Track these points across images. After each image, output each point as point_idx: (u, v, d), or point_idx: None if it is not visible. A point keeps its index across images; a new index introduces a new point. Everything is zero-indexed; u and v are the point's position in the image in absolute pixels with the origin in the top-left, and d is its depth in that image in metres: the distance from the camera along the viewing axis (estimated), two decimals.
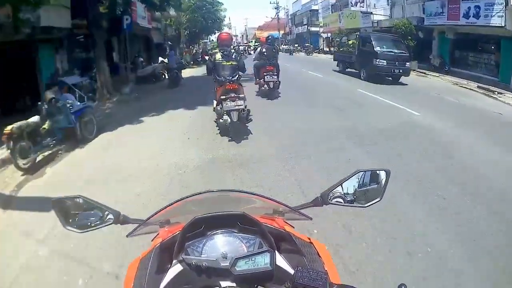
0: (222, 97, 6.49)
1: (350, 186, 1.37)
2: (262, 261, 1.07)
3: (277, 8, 58.22)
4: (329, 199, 1.36)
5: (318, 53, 37.89)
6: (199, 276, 1.08)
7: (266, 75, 10.66)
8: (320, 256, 1.29)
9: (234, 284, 1.05)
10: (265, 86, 10.73)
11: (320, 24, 40.23)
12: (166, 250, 1.28)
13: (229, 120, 6.47)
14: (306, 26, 45.97)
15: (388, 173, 1.37)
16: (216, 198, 1.49)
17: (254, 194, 1.45)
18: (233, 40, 10.78)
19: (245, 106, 6.51)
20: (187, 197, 1.35)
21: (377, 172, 1.39)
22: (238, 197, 1.56)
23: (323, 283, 0.91)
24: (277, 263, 1.10)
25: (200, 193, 1.36)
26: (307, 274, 0.94)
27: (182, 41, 31.07)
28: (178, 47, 28.25)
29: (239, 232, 1.17)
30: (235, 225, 1.18)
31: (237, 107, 6.38)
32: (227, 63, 6.82)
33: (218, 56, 6.89)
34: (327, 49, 36.35)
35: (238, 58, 7.04)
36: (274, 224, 1.42)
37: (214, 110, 7.02)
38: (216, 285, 1.07)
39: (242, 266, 1.06)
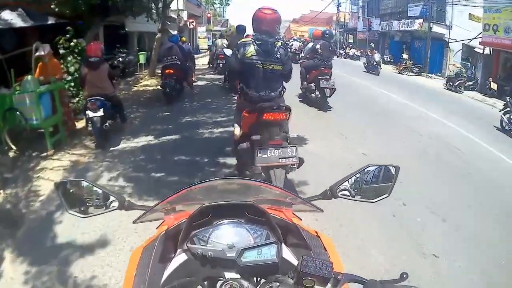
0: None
1: (359, 180, 1.37)
2: (269, 253, 1.06)
3: None
4: (338, 192, 1.36)
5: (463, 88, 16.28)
6: (203, 266, 1.07)
7: (322, 79, 8.49)
8: (326, 250, 1.24)
9: (238, 276, 1.04)
10: (317, 92, 8.76)
11: (448, 24, 21.13)
12: (171, 238, 1.27)
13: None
14: (409, 21, 24.38)
15: (397, 169, 1.38)
16: (225, 186, 1.44)
17: (263, 183, 1.43)
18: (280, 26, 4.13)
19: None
20: (194, 184, 1.28)
21: (386, 167, 1.39)
22: (247, 185, 1.48)
23: (328, 272, 0.89)
24: (283, 255, 1.09)
25: (208, 181, 1.32)
26: (312, 263, 0.89)
27: None
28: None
29: (247, 222, 1.16)
30: (243, 215, 1.17)
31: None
32: (266, 66, 3.72)
33: (251, 50, 3.70)
34: (492, 86, 15.34)
35: (286, 58, 3.84)
36: (282, 215, 1.40)
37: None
38: (220, 276, 1.06)
39: (248, 257, 1.04)
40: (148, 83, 13.18)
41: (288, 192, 1.38)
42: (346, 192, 1.38)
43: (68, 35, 7.25)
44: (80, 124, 6.90)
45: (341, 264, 1.19)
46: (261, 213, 1.16)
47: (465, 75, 16.88)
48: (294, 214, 1.49)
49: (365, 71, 20.49)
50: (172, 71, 9.01)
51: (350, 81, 15.34)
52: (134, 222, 1.32)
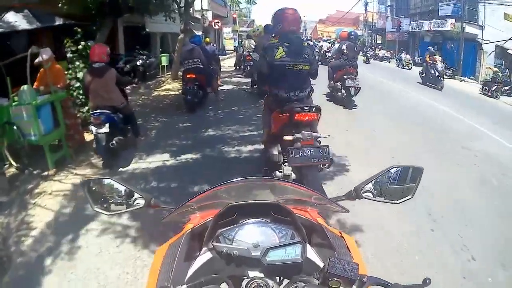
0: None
1: (383, 181, 1.36)
2: (293, 253, 1.05)
3: None
4: (362, 193, 1.35)
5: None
6: (228, 264, 1.08)
7: (347, 78, 8.79)
8: (349, 251, 1.22)
9: (262, 275, 1.03)
10: (343, 91, 9.05)
11: (480, 24, 19.57)
12: (196, 236, 1.27)
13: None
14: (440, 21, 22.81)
15: (421, 171, 1.37)
16: (251, 185, 1.39)
17: (289, 182, 1.43)
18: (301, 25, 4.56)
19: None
20: (220, 184, 1.25)
21: (411, 168, 1.38)
22: (273, 185, 1.47)
23: (354, 274, 0.89)
24: (307, 255, 1.09)
25: (234, 181, 1.26)
26: (339, 264, 0.90)
27: None
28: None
29: (272, 222, 1.16)
30: (268, 214, 1.17)
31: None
32: (295, 67, 3.75)
33: (280, 51, 3.69)
34: None
35: (313, 57, 3.91)
36: (307, 215, 1.40)
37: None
38: (244, 275, 1.05)
39: (273, 257, 1.04)
40: (170, 87, 12.42)
41: (314, 191, 1.32)
42: (370, 194, 1.35)
43: (76, 37, 6.46)
44: (90, 137, 6.08)
45: (364, 266, 1.10)
46: (287, 213, 1.16)
47: (501, 79, 15.28)
48: (319, 214, 1.46)
49: (420, 83, 15.84)
50: (194, 76, 8.06)
51: (380, 83, 14.53)
52: (162, 220, 1.34)
